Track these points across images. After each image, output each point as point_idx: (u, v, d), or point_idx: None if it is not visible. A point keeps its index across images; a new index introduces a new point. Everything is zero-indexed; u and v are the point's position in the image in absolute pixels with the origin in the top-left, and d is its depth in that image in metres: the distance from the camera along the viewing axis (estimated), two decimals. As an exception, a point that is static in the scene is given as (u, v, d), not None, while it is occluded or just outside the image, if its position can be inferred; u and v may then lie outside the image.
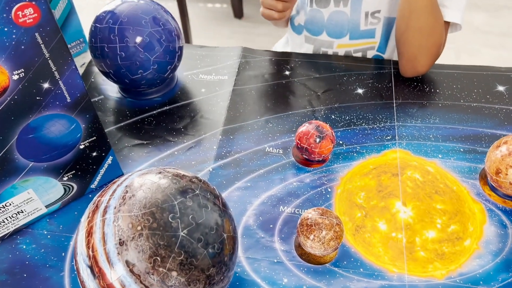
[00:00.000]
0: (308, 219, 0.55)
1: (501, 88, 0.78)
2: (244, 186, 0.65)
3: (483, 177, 0.65)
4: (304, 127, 0.65)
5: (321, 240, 0.53)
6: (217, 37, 2.16)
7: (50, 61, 0.49)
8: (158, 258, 0.40)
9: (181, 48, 0.74)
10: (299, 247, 0.58)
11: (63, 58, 0.50)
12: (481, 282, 0.55)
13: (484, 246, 0.58)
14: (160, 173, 0.46)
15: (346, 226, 0.61)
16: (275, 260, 0.57)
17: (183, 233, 0.41)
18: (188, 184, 0.45)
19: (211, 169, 0.67)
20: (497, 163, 0.59)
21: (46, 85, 0.50)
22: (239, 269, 0.57)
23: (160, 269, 0.40)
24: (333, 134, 0.65)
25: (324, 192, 0.65)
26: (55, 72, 0.50)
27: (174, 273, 0.41)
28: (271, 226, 0.61)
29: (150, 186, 0.44)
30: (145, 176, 0.45)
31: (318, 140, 0.63)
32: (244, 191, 0.65)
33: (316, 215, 0.54)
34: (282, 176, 0.66)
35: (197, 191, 0.45)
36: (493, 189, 0.64)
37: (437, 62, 0.82)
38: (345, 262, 0.57)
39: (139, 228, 0.41)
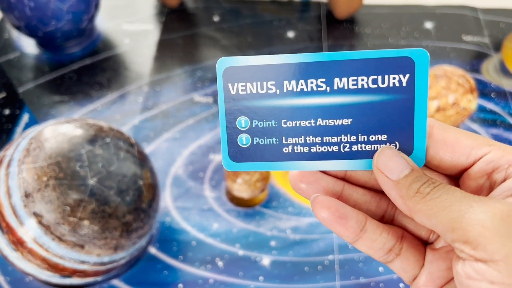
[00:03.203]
0: (234, 163, 0.54)
1: (428, 25, 0.79)
2: (172, 137, 0.64)
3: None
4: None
5: (248, 183, 0.53)
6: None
7: None
8: (67, 207, 0.39)
9: (98, -3, 0.69)
10: (228, 192, 0.58)
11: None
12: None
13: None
14: (67, 123, 0.43)
15: (276, 168, 0.61)
16: (205, 207, 0.57)
17: (93, 181, 0.40)
18: (98, 132, 0.43)
19: (137, 122, 0.65)
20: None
21: None
22: (169, 219, 0.56)
23: (71, 218, 0.39)
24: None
25: (254, 137, 0.64)
26: None
27: (86, 222, 0.39)
28: (201, 174, 0.60)
29: (56, 136, 0.41)
30: (51, 127, 0.43)
31: (245, 85, 0.62)
32: (172, 142, 0.63)
33: (242, 158, 0.54)
34: (212, 125, 0.65)
35: (108, 139, 0.43)
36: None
37: (367, 2, 0.81)
38: (274, 203, 0.58)
39: (45, 179, 0.39)
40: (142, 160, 0.45)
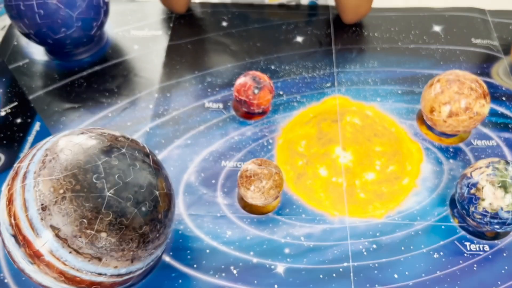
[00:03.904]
0: (247, 170, 0.54)
1: (437, 28, 0.79)
2: (184, 143, 0.64)
3: (420, 117, 0.67)
4: (241, 79, 0.63)
5: (261, 190, 0.53)
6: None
7: None
8: (84, 220, 0.38)
9: (107, 3, 0.69)
10: (241, 200, 0.58)
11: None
12: (418, 218, 0.57)
13: (421, 183, 0.60)
14: (82, 133, 0.43)
15: (288, 174, 0.61)
16: (218, 215, 0.57)
17: (110, 193, 0.40)
18: (114, 143, 0.43)
19: (148, 129, 0.65)
20: (431, 102, 0.60)
21: None
22: (182, 227, 0.56)
23: (88, 231, 0.39)
24: (271, 84, 0.64)
25: (265, 143, 0.64)
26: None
27: (104, 234, 0.39)
28: (213, 181, 0.60)
29: (72, 147, 0.41)
30: (66, 137, 0.43)
31: (256, 91, 0.62)
32: (184, 148, 0.63)
33: (255, 166, 0.54)
34: (223, 131, 0.65)
35: (124, 150, 0.43)
36: (429, 128, 0.65)
37: (375, 6, 0.81)
38: (287, 210, 0.57)
39: (61, 191, 0.39)
40: (157, 169, 0.45)
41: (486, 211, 0.50)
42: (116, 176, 0.40)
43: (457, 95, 0.58)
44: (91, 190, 0.39)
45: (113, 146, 0.42)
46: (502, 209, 0.49)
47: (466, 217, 0.54)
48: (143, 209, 0.41)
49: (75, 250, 0.39)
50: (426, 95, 0.61)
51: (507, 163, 0.51)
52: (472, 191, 0.51)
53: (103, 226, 0.39)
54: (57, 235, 0.38)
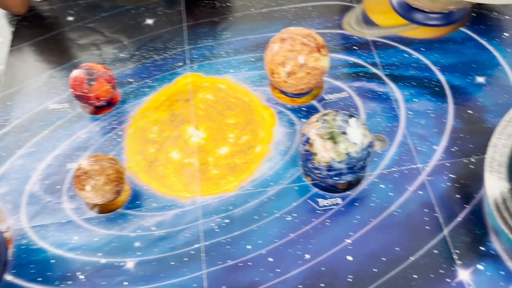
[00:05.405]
0: (78, 170, 0.51)
1: (290, -12, 0.77)
2: (27, 152, 0.60)
3: (273, 81, 0.65)
4: (74, 73, 0.59)
5: (95, 188, 0.50)
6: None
7: None
8: None
9: None
10: (87, 200, 0.55)
11: None
12: (271, 183, 0.55)
13: (274, 148, 0.59)
14: None
15: (139, 164, 0.58)
16: (64, 221, 0.54)
17: None
18: None
19: (-14, 144, 0.60)
20: (270, 64, 0.58)
21: None
22: (24, 241, 0.52)
23: None
24: (109, 73, 0.60)
25: (115, 136, 0.61)
26: None
27: None
28: (58, 187, 0.57)
29: None
30: None
31: (91, 82, 0.58)
32: (27, 158, 0.59)
33: (86, 164, 0.51)
34: (69, 132, 0.61)
35: None
36: (282, 91, 0.63)
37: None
38: (137, 202, 0.55)
39: None
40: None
41: (321, 165, 0.49)
42: None
43: (290, 53, 0.56)
44: None
45: None
46: (334, 160, 0.48)
47: (310, 174, 0.53)
48: None
49: None
50: (266, 57, 0.59)
51: (337, 113, 0.50)
52: (306, 147, 0.50)
53: None
54: None
